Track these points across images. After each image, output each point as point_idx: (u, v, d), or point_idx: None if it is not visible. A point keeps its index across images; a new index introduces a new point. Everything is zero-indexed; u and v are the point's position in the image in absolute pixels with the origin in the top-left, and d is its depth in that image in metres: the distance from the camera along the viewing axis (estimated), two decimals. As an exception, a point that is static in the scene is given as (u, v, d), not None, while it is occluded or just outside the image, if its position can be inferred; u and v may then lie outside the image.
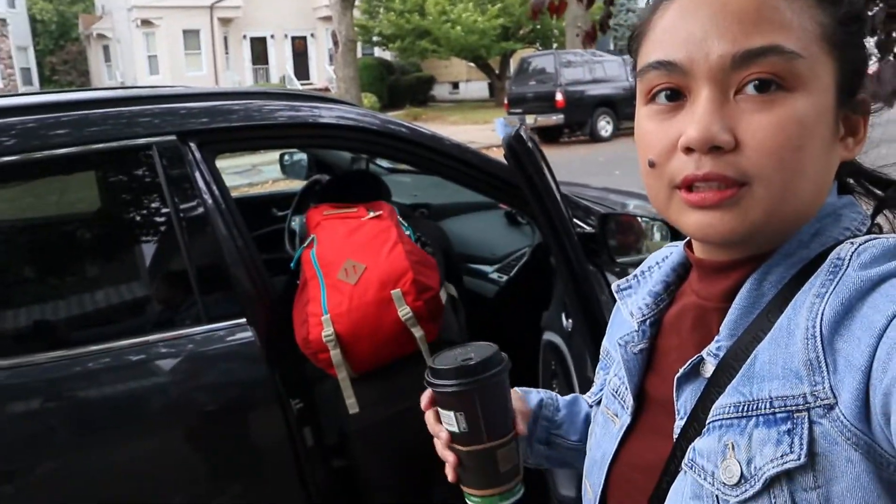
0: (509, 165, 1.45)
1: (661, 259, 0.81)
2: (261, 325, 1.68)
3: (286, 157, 3.39)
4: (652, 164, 0.64)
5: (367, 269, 1.81)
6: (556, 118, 15.31)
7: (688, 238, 0.73)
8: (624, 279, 0.82)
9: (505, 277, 2.38)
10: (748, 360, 0.61)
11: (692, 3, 0.62)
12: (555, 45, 24.03)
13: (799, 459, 0.55)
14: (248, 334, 1.66)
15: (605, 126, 15.89)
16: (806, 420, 0.56)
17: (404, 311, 1.77)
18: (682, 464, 0.64)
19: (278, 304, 1.85)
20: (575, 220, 2.04)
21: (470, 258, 2.54)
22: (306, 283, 1.86)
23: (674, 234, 1.97)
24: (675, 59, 0.61)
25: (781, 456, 0.56)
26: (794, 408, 0.57)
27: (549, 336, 1.87)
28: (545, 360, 1.88)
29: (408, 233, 1.99)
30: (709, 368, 0.65)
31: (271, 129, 1.86)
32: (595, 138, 15.63)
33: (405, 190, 3.05)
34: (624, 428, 0.75)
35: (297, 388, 1.80)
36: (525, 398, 0.94)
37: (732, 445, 0.59)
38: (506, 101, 16.82)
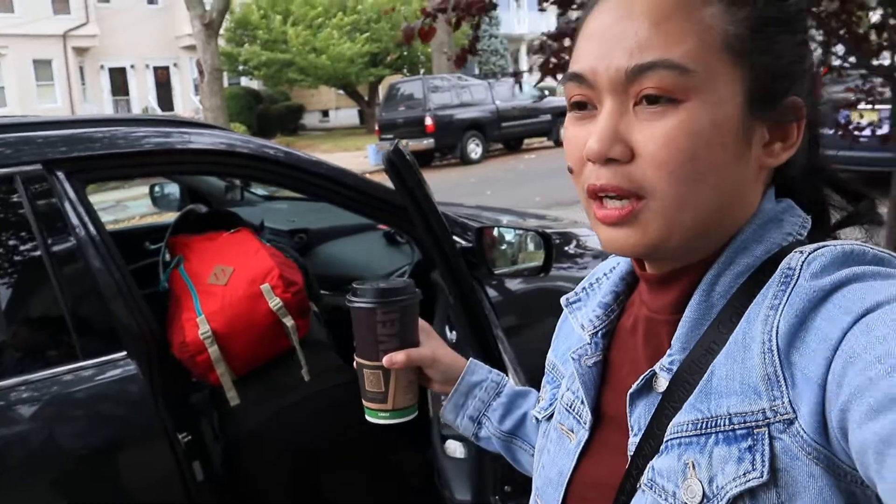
0: (390, 180, 1.50)
1: (609, 270, 0.81)
2: (143, 359, 1.64)
3: (157, 189, 3.30)
4: (570, 171, 0.66)
5: (236, 270, 1.91)
6: (426, 142, 15.56)
7: None
8: (572, 292, 0.82)
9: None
10: (705, 376, 0.60)
11: (603, 13, 0.63)
12: (422, 71, 24.41)
13: (762, 477, 0.54)
14: (130, 368, 1.62)
15: (474, 149, 16.28)
16: (766, 436, 0.55)
17: (275, 303, 1.86)
18: (642, 483, 0.63)
19: (160, 336, 1.81)
20: (453, 235, 2.11)
21: (352, 279, 2.56)
22: (178, 298, 1.93)
23: (546, 243, 2.08)
24: (582, 71, 0.63)
25: (744, 474, 0.55)
26: (753, 424, 0.56)
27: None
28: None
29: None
30: (662, 383, 0.64)
31: (139, 156, 1.81)
32: (465, 161, 15.98)
33: (282, 216, 3.03)
34: (581, 444, 0.73)
35: (186, 420, 1.76)
36: (470, 369, 0.99)
37: (693, 464, 0.58)
38: (377, 128, 16.93)
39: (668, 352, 0.64)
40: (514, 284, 2.44)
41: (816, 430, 0.52)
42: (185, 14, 15.97)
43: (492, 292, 2.33)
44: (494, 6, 2.94)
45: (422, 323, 0.98)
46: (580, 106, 0.65)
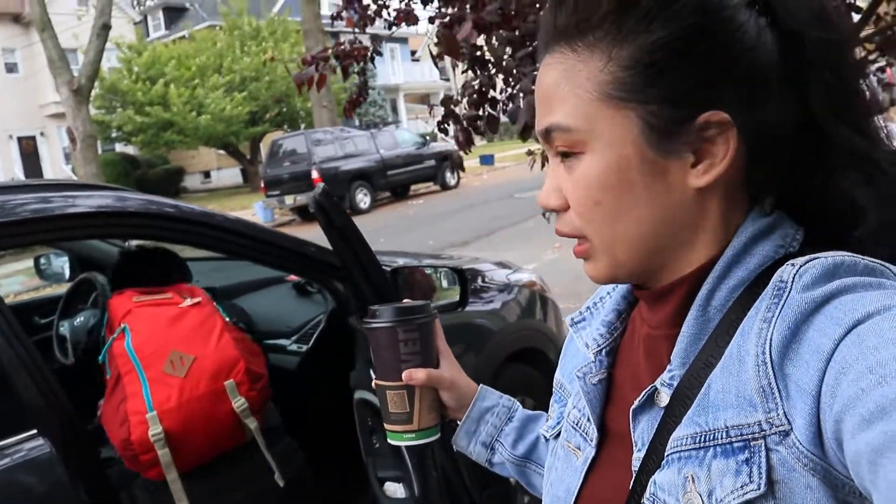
0: (319, 222, 1.49)
1: (612, 289, 0.82)
2: (56, 435, 1.55)
3: (43, 261, 3.13)
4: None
5: (197, 360, 1.70)
6: (314, 196, 15.45)
7: None
8: (577, 312, 0.84)
9: (304, 347, 2.38)
10: (702, 390, 0.61)
11: (537, 79, 0.70)
12: (303, 126, 24.38)
13: (759, 489, 0.55)
14: (40, 444, 1.52)
15: (362, 198, 16.33)
16: (763, 448, 0.55)
17: (239, 403, 1.69)
18: (644, 498, 0.64)
19: (73, 409, 1.70)
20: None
21: (266, 334, 2.51)
22: (120, 379, 1.69)
23: (461, 278, 2.12)
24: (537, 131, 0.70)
25: (742, 486, 0.56)
26: (750, 436, 0.56)
27: (360, 394, 1.90)
28: (361, 417, 1.90)
29: (225, 317, 1.90)
30: (664, 398, 0.65)
31: (14, 226, 1.62)
32: (355, 211, 15.97)
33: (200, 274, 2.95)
34: (588, 461, 0.74)
35: (104, 496, 1.66)
36: (482, 395, 0.98)
37: (692, 478, 0.59)
38: (262, 185, 16.71)
39: (668, 367, 0.66)
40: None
41: (812, 441, 0.53)
42: (50, 81, 15.37)
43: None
44: (379, 53, 3.00)
45: (442, 347, 0.97)
46: (547, 159, 0.73)
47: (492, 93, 2.39)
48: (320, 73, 2.76)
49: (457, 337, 2.55)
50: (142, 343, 1.73)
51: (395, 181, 17.52)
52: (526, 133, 1.86)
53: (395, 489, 1.77)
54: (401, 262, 2.91)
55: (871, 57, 2.90)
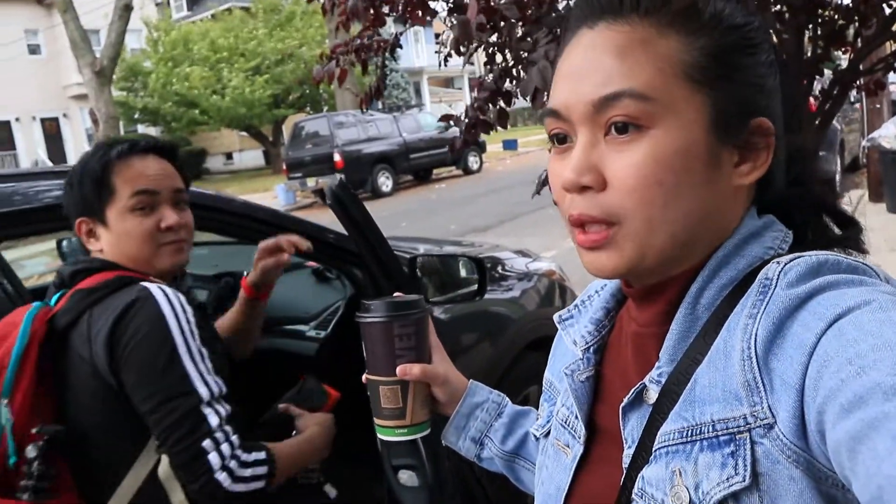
0: (335, 213, 1.49)
1: (600, 287, 0.83)
2: None
3: (65, 243, 3.17)
4: (555, 203, 0.69)
5: None
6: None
7: None
8: (565, 309, 0.85)
9: (323, 333, 2.40)
10: (689, 385, 0.62)
11: (573, 52, 0.68)
12: (325, 108, 24.41)
13: (744, 481, 0.56)
14: None
15: (385, 182, 16.35)
16: (748, 441, 0.56)
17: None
18: (633, 493, 0.65)
19: None
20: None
21: (284, 320, 2.53)
22: None
23: (479, 267, 2.11)
24: (556, 107, 0.67)
25: (727, 479, 0.57)
26: (735, 429, 0.57)
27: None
28: (376, 404, 1.91)
29: None
30: (652, 395, 0.66)
31: (39, 212, 1.63)
32: (377, 194, 16.01)
33: (205, 261, 2.96)
34: (577, 458, 0.75)
35: None
36: (472, 390, 0.99)
37: (679, 472, 0.60)
38: (284, 167, 16.79)
39: (657, 364, 0.67)
40: (444, 311, 2.47)
41: (795, 434, 0.54)
42: (72, 63, 15.51)
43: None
44: (399, 46, 2.97)
45: (434, 341, 0.97)
46: (560, 140, 0.68)
47: (507, 85, 2.35)
48: (341, 67, 2.74)
49: (475, 325, 2.56)
50: None
51: (417, 165, 17.50)
52: (536, 102, 1.84)
53: (408, 477, 1.77)
54: (421, 248, 2.91)
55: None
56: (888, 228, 6.77)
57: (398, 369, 0.91)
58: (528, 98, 1.84)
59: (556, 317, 0.85)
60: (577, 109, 0.65)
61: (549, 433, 0.83)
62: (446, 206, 13.24)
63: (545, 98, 1.89)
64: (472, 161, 18.58)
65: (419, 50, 35.13)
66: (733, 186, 0.66)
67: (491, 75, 2.46)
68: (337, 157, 15.38)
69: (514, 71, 2.46)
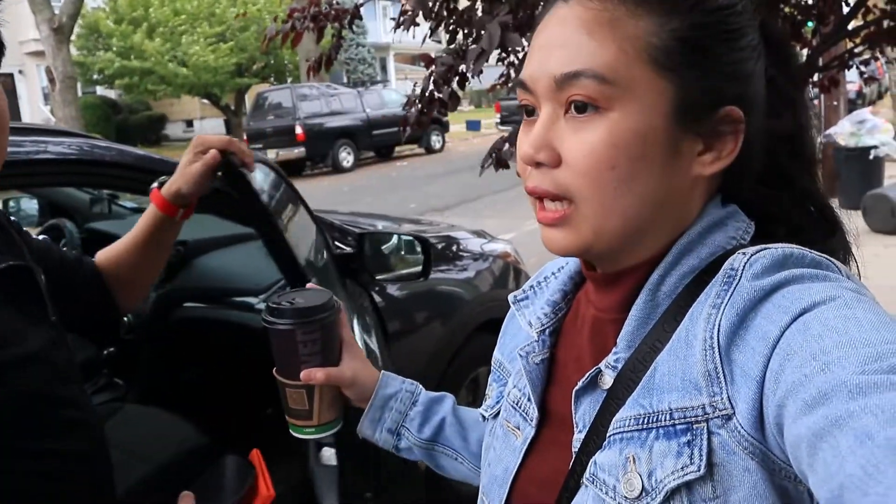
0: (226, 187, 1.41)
1: (557, 269, 0.83)
2: None
3: (12, 204, 3.08)
4: (518, 175, 0.69)
5: None
6: (297, 151, 15.35)
7: None
8: (520, 290, 0.83)
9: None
10: (648, 372, 0.62)
11: (545, 25, 0.66)
12: (290, 80, 24.04)
13: (699, 471, 0.56)
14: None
15: (346, 157, 16.23)
16: (705, 431, 0.56)
17: None
18: (584, 478, 0.64)
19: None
20: (336, 242, 2.11)
21: (235, 291, 2.49)
22: None
23: (424, 248, 2.11)
24: (524, 78, 0.67)
25: (682, 468, 0.56)
26: (693, 419, 0.57)
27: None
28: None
29: None
30: (607, 380, 0.66)
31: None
32: (338, 169, 15.89)
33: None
34: (528, 441, 0.74)
35: None
36: (383, 382, 0.97)
37: (633, 458, 0.60)
38: (244, 137, 16.51)
39: (614, 350, 0.66)
40: (396, 289, 2.46)
41: (753, 426, 0.54)
42: (30, 18, 14.88)
43: (376, 297, 2.34)
44: (359, 17, 2.92)
45: (347, 338, 0.96)
46: (529, 112, 0.68)
47: (462, 67, 2.33)
48: (297, 31, 2.69)
49: (425, 304, 2.56)
50: None
51: (379, 141, 17.38)
52: (476, 65, 1.82)
53: (330, 455, 1.77)
54: (380, 225, 2.89)
55: (858, 50, 2.91)
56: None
57: (302, 374, 0.90)
58: (471, 62, 1.82)
59: (510, 297, 0.83)
60: (542, 83, 0.65)
61: (497, 414, 0.82)
62: (407, 183, 13.19)
63: (483, 64, 1.89)
64: (435, 140, 18.53)
65: (387, 25, 34.75)
66: (694, 175, 0.65)
67: (444, 54, 2.43)
68: (298, 130, 15.20)
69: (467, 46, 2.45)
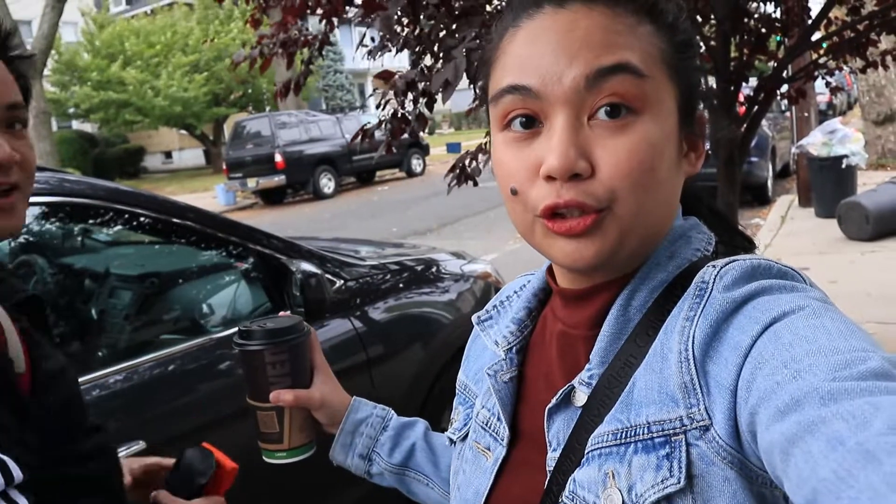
0: None
1: (519, 288, 0.82)
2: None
3: (-16, 242, 3.04)
4: (514, 192, 0.64)
5: None
6: (277, 179, 15.33)
7: (548, 265, 0.75)
8: (483, 310, 0.83)
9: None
10: (626, 388, 0.62)
11: (540, 28, 0.63)
12: (268, 108, 24.08)
13: (679, 483, 0.56)
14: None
15: (327, 183, 16.21)
16: (683, 443, 0.56)
17: None
18: (563, 496, 0.63)
19: None
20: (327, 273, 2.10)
21: (212, 321, 2.47)
22: None
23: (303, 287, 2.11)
24: (528, 83, 0.62)
25: (662, 481, 0.56)
26: (671, 431, 0.57)
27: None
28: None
29: None
30: (581, 397, 0.65)
31: None
32: (319, 196, 15.87)
33: (130, 261, 2.88)
34: (499, 461, 0.73)
35: None
36: (354, 407, 0.97)
37: (613, 474, 0.59)
38: (224, 167, 16.50)
39: (587, 366, 0.65)
40: (377, 313, 2.44)
41: (730, 435, 0.54)
42: (4, 55, 14.80)
43: (357, 323, 2.33)
44: (329, 43, 2.93)
45: (319, 362, 0.96)
46: (525, 123, 0.63)
47: (424, 85, 2.32)
48: (266, 56, 2.69)
49: (405, 327, 2.55)
50: None
51: (360, 166, 17.40)
52: (445, 94, 1.82)
53: None
54: (363, 251, 2.88)
55: (822, 60, 2.96)
56: (816, 232, 7.01)
57: (271, 395, 0.91)
58: (437, 91, 1.82)
59: (474, 318, 0.83)
60: (561, 87, 0.60)
61: (465, 437, 0.81)
62: (388, 208, 13.19)
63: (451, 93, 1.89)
64: (416, 164, 18.57)
65: (363, 51, 34.93)
66: (684, 175, 0.68)
67: (405, 73, 2.44)
68: (278, 158, 15.19)
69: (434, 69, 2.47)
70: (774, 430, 0.48)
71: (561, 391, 0.66)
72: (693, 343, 0.58)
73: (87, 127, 27.33)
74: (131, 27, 24.50)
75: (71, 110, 24.86)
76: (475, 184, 2.82)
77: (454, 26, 2.07)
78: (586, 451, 0.62)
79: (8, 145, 0.92)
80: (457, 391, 0.87)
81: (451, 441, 0.85)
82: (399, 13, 1.98)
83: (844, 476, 0.42)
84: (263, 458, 0.94)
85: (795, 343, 0.51)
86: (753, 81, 3.23)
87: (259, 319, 0.95)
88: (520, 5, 0.66)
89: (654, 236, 0.66)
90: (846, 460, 0.42)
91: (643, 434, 0.59)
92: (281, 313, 1.01)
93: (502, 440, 0.73)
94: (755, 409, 0.51)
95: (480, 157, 2.80)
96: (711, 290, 0.60)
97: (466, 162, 2.78)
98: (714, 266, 0.62)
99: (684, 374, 0.57)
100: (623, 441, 0.60)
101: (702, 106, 0.71)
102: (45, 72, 15.64)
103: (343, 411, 0.97)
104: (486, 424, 0.76)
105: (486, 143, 2.90)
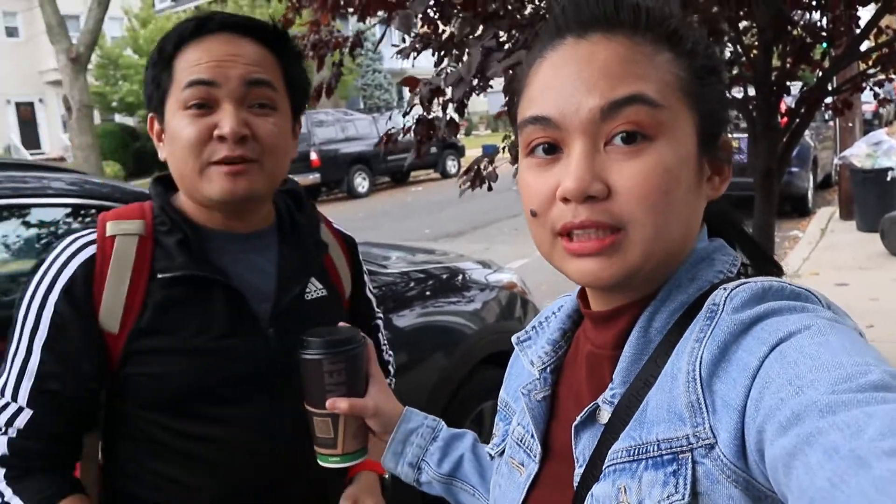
0: None
1: (557, 309, 0.85)
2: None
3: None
4: (534, 214, 0.68)
5: None
6: (312, 177, 15.40)
7: (580, 287, 0.77)
8: (523, 331, 0.86)
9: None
10: (641, 406, 0.64)
11: (561, 61, 0.67)
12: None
13: (683, 499, 0.57)
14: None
15: (361, 182, 16.26)
16: (689, 461, 0.58)
17: None
18: None
19: None
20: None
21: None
22: None
23: None
24: (548, 114, 0.66)
25: (668, 497, 0.58)
26: (678, 449, 0.59)
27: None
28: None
29: None
30: (605, 415, 0.68)
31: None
32: (353, 195, 15.94)
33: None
34: (531, 477, 0.76)
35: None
36: (406, 417, 1.01)
37: (625, 489, 0.62)
38: (261, 163, 16.62)
39: (610, 385, 0.68)
40: (399, 320, 2.40)
41: (735, 454, 0.55)
42: (50, 48, 15.08)
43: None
44: (360, 45, 2.90)
45: (374, 372, 1.01)
46: (547, 150, 0.67)
47: (448, 92, 2.28)
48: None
49: (428, 336, 2.51)
50: None
51: (394, 166, 17.41)
52: (457, 91, 1.79)
53: None
54: (393, 256, 2.85)
55: (871, 71, 2.85)
56: (857, 246, 6.83)
57: (327, 403, 0.95)
58: (448, 87, 1.77)
59: (514, 338, 0.86)
60: (578, 117, 0.65)
61: (503, 452, 0.85)
62: (422, 209, 13.18)
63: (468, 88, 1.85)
64: (451, 165, 18.54)
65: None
66: (706, 198, 0.70)
67: (430, 79, 2.41)
68: (314, 156, 15.27)
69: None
70: (777, 445, 0.50)
71: (586, 409, 0.69)
72: (700, 363, 0.59)
73: (130, 121, 27.80)
74: (174, 23, 24.80)
75: (115, 104, 25.28)
76: (490, 188, 2.79)
77: (481, 28, 2.03)
78: (604, 467, 0.65)
79: (235, 119, 1.02)
80: (498, 408, 0.91)
81: (491, 456, 0.90)
82: (422, 13, 1.94)
83: (837, 483, 0.43)
84: (318, 461, 0.99)
85: (800, 361, 0.53)
86: (795, 90, 3.13)
87: (319, 329, 0.99)
88: (546, 36, 0.70)
89: (672, 258, 0.67)
90: (839, 468, 0.43)
91: (653, 451, 0.61)
92: (340, 324, 1.05)
93: (535, 456, 0.77)
94: (762, 427, 0.52)
95: (497, 160, 2.76)
96: (721, 311, 0.61)
97: (482, 166, 2.74)
98: (725, 288, 0.63)
99: (691, 394, 0.59)
100: (635, 457, 0.62)
101: (730, 130, 0.72)
102: (89, 66, 15.87)
103: (395, 420, 1.00)
104: (521, 441, 0.80)
105: (504, 147, 2.87)
